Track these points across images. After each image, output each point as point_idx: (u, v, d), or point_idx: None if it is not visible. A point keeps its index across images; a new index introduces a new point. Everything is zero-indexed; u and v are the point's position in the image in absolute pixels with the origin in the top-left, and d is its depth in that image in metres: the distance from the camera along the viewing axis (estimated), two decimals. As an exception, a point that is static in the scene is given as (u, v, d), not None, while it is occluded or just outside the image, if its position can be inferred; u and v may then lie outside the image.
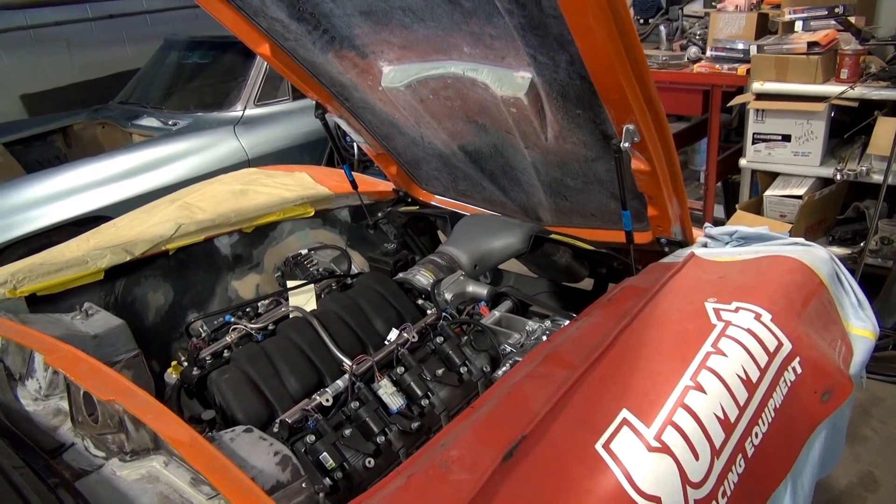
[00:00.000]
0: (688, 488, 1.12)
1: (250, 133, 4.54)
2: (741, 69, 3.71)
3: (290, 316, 1.92)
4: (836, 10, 3.42)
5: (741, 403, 1.27)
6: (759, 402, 1.30)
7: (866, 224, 3.48)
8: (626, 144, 1.55)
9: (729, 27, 3.93)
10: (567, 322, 1.74)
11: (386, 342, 1.79)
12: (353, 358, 1.68)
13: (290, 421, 1.50)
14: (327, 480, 1.38)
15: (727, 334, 1.37)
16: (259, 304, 2.03)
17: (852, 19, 3.39)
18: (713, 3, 4.41)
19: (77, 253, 2.03)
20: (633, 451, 1.11)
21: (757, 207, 3.71)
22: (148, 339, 2.15)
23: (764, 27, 3.89)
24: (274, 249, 2.48)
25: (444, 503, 0.98)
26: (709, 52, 3.98)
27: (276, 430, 1.49)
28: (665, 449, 1.13)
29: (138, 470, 1.30)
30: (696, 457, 1.16)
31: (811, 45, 3.35)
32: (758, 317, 1.43)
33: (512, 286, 2.60)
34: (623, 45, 1.33)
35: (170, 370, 1.81)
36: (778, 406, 1.33)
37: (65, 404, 1.51)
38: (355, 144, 3.33)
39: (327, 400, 1.56)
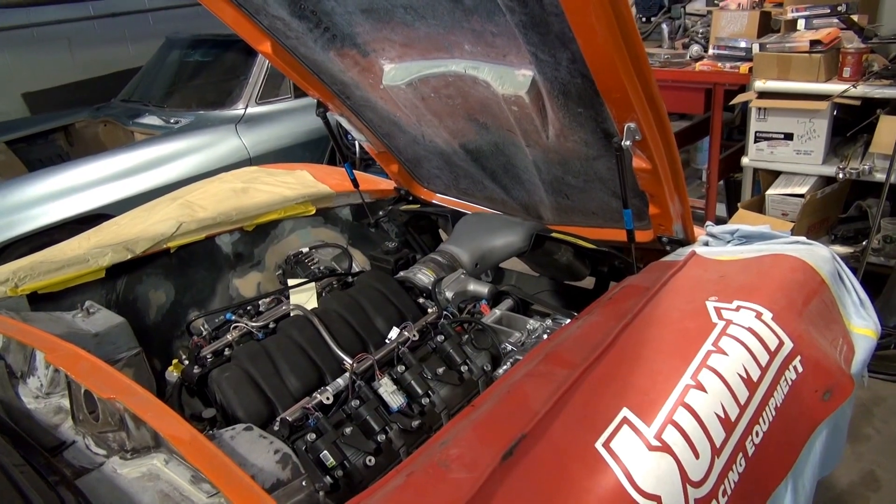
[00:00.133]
0: (688, 487, 1.12)
1: (252, 131, 4.54)
2: (743, 67, 3.70)
3: (291, 314, 1.91)
4: (839, 9, 3.41)
5: (742, 402, 1.27)
6: (760, 401, 1.30)
7: (869, 223, 3.47)
8: (628, 143, 1.55)
9: (731, 25, 3.93)
10: (568, 321, 1.73)
11: (387, 341, 1.79)
12: (353, 356, 1.68)
13: (290, 419, 1.50)
14: (328, 479, 1.38)
15: (728, 333, 1.37)
16: (260, 302, 2.03)
17: (855, 17, 3.38)
18: (716, 2, 4.40)
19: (78, 251, 2.03)
20: (633, 450, 1.11)
21: (759, 206, 3.70)
22: (149, 338, 2.15)
23: (766, 25, 3.89)
24: (275, 248, 2.48)
25: (443, 502, 0.98)
26: (711, 51, 3.97)
27: (276, 428, 1.49)
28: (665, 448, 1.13)
29: (139, 468, 1.30)
30: (697, 456, 1.15)
31: (813, 43, 3.34)
32: (759, 315, 1.42)
33: (513, 285, 2.60)
34: (624, 43, 1.33)
35: (171, 368, 1.81)
36: (779, 405, 1.33)
37: (66, 402, 1.52)
38: (357, 143, 3.34)
39: (328, 398, 1.56)
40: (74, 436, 1.46)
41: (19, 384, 1.66)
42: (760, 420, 1.28)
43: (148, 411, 1.22)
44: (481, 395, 1.32)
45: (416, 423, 1.54)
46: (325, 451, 1.41)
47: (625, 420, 1.15)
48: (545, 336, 1.74)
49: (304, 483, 1.18)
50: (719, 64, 3.84)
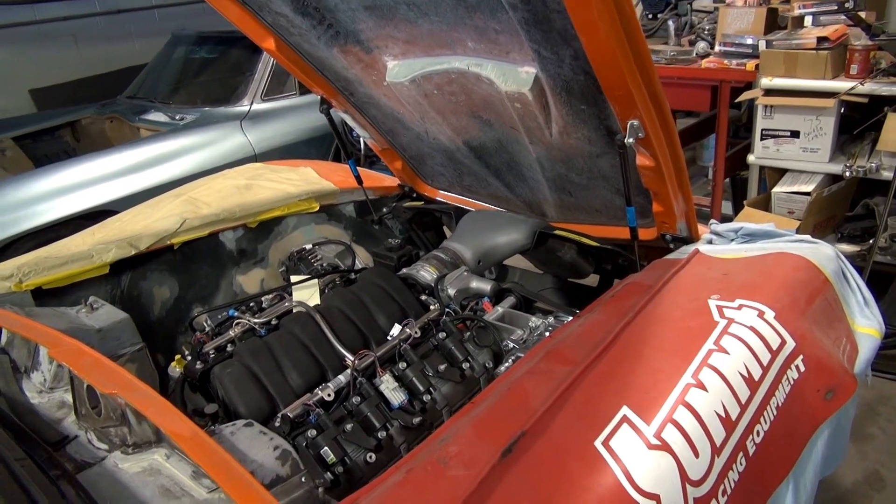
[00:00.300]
0: (687, 486, 1.11)
1: (257, 128, 4.55)
2: (750, 65, 3.69)
3: (294, 311, 1.92)
4: (846, 5, 3.39)
5: (743, 401, 1.26)
6: (762, 400, 1.29)
7: (875, 221, 3.45)
8: (631, 140, 1.55)
9: (738, 22, 3.91)
10: (570, 318, 1.73)
11: (389, 338, 1.79)
12: (355, 353, 1.68)
13: (291, 415, 1.50)
14: (328, 475, 1.39)
15: (730, 332, 1.36)
16: (263, 298, 2.03)
17: (862, 14, 3.36)
18: (722, -2, 4.38)
19: (82, 247, 2.04)
20: (632, 449, 1.11)
21: (765, 204, 3.68)
22: (154, 333, 2.16)
23: (773, 22, 3.87)
24: (279, 244, 2.48)
25: (442, 499, 0.98)
26: (717, 48, 3.96)
27: (277, 424, 1.49)
28: (665, 447, 1.13)
29: (140, 463, 1.31)
30: (697, 455, 1.15)
31: (820, 40, 3.32)
32: (761, 314, 1.42)
33: (516, 282, 2.59)
34: (627, 40, 1.32)
35: (174, 364, 1.82)
36: (780, 404, 1.33)
37: (69, 397, 1.52)
38: (362, 140, 3.33)
39: (329, 395, 1.56)
40: (77, 430, 1.46)
41: (23, 379, 1.67)
42: (762, 419, 1.28)
43: (149, 407, 1.22)
44: (482, 392, 1.32)
45: (417, 420, 1.54)
46: (326, 448, 1.41)
47: (624, 418, 1.15)
48: (547, 333, 1.74)
49: (303, 479, 1.19)
50: (726, 61, 3.83)
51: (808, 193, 3.46)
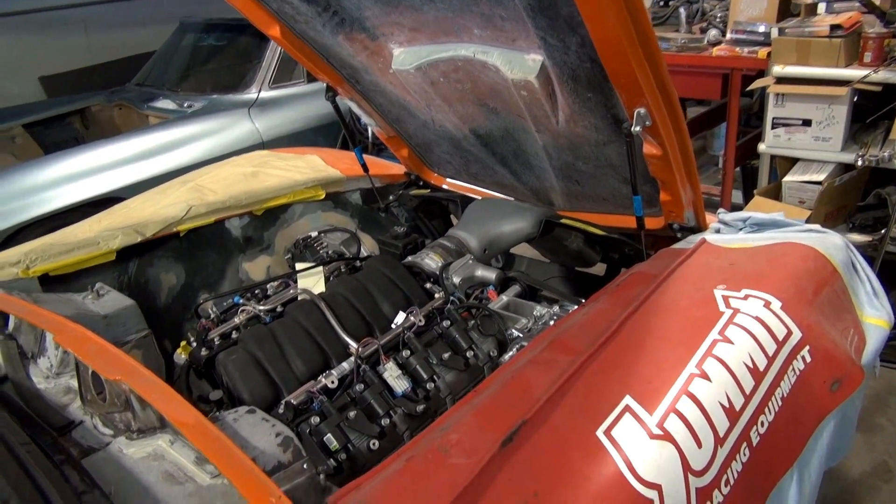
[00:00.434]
0: (689, 476, 1.11)
1: (265, 115, 4.54)
2: (762, 52, 3.64)
3: (299, 298, 1.92)
4: (861, -8, 3.34)
5: (747, 392, 1.25)
6: (766, 391, 1.28)
7: (888, 211, 3.41)
8: (637, 128, 1.53)
9: (750, 9, 3.86)
10: (575, 307, 1.72)
11: (393, 325, 1.79)
12: (359, 341, 1.68)
13: (295, 402, 1.50)
14: (331, 461, 1.39)
15: (735, 322, 1.35)
16: (268, 286, 2.03)
17: (877, 1, 3.31)
18: (735, -15, 4.32)
19: (89, 234, 2.04)
20: (634, 439, 1.10)
21: (775, 193, 3.65)
22: (161, 320, 2.17)
23: (786, 9, 3.81)
24: (285, 232, 2.49)
25: (441, 487, 0.98)
26: (729, 35, 3.91)
27: (281, 411, 1.50)
28: (667, 436, 1.12)
29: (144, 448, 1.32)
30: (699, 445, 1.14)
31: (834, 27, 3.27)
32: (767, 304, 1.40)
33: (521, 271, 2.58)
34: (634, 26, 1.30)
35: (179, 350, 1.82)
36: (785, 395, 1.31)
37: (75, 383, 1.53)
38: (369, 128, 3.32)
39: (332, 382, 1.56)
40: (83, 416, 1.47)
41: (30, 364, 1.69)
42: (766, 410, 1.27)
43: (152, 393, 1.23)
44: (484, 381, 1.31)
45: (420, 408, 1.54)
46: (329, 435, 1.41)
47: (627, 408, 1.14)
48: (552, 322, 1.73)
49: (305, 466, 1.19)
50: (737, 49, 3.78)
51: (819, 183, 3.42)
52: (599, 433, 1.10)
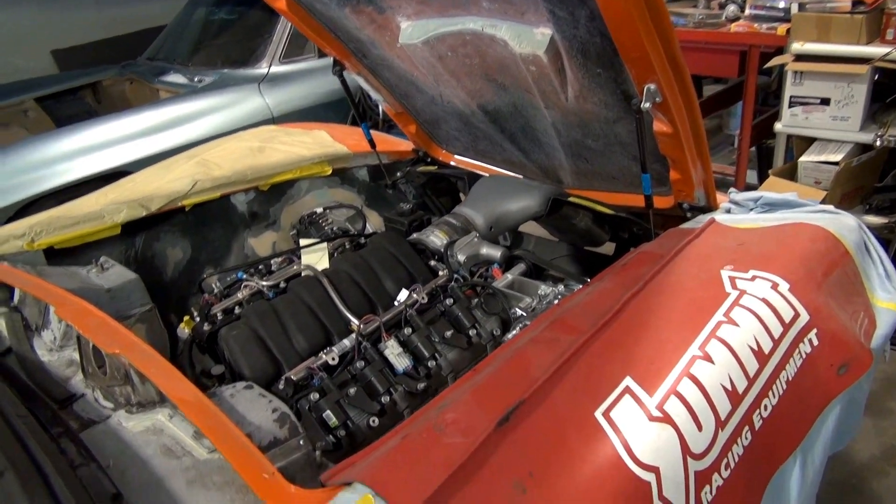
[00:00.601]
0: (688, 459, 1.09)
1: (275, 90, 4.50)
2: (781, 29, 3.56)
3: (302, 274, 1.91)
4: (885, -34, 3.24)
5: (751, 375, 1.23)
6: (771, 374, 1.26)
7: (906, 193, 3.35)
8: (647, 105, 1.50)
9: (770, -16, 3.76)
10: (580, 287, 1.70)
11: (396, 303, 1.78)
12: (361, 318, 1.67)
13: (295, 378, 1.50)
14: (330, 438, 1.39)
15: (741, 303, 1.32)
16: (272, 261, 2.03)
17: (902, -24, 3.21)
18: (755, -41, 4.21)
19: (94, 207, 2.04)
20: (633, 420, 1.09)
21: (791, 173, 3.59)
22: (167, 294, 2.17)
23: (807, -16, 3.71)
24: (291, 207, 2.47)
25: (435, 466, 0.97)
26: (747, 11, 3.82)
27: (281, 387, 1.50)
28: (667, 419, 1.10)
29: (143, 422, 1.32)
30: (700, 428, 1.12)
31: (856, 3, 3.19)
32: (775, 286, 1.37)
33: (527, 249, 2.56)
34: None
35: (182, 325, 1.83)
36: (790, 378, 1.29)
37: (77, 355, 1.54)
38: (380, 104, 3.29)
39: (333, 359, 1.56)
40: (84, 389, 1.48)
41: (34, 337, 1.69)
42: (770, 393, 1.25)
43: (150, 368, 1.23)
44: (484, 360, 1.30)
45: (421, 386, 1.54)
46: (329, 411, 1.41)
47: (627, 389, 1.13)
48: (556, 302, 1.71)
49: (301, 442, 1.19)
50: (756, 25, 3.69)
51: (836, 163, 3.36)
52: (598, 414, 1.09)
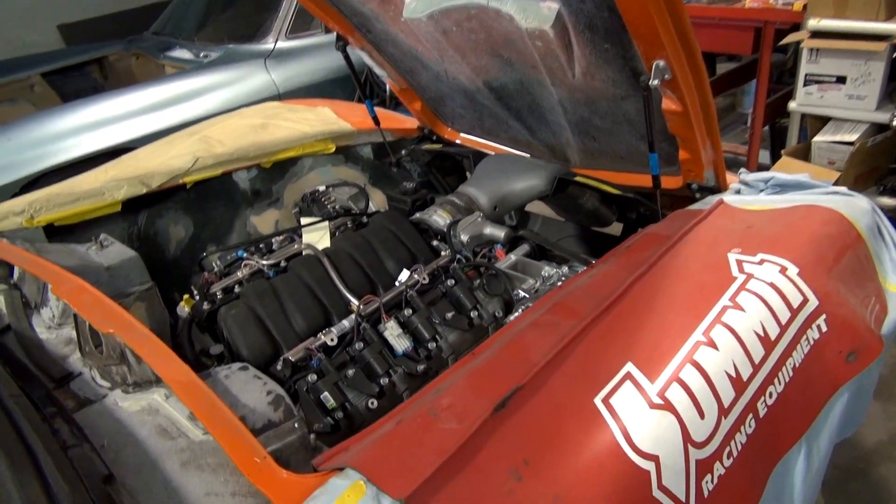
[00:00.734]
0: (689, 448, 1.06)
1: (281, 66, 4.45)
2: (797, 4, 3.48)
3: (303, 253, 1.89)
4: (907, -61, 3.14)
5: (756, 361, 1.20)
6: (777, 361, 1.22)
7: (922, 174, 3.28)
8: (656, 82, 1.46)
9: (787, -41, 3.67)
10: (584, 268, 1.67)
11: (397, 283, 1.75)
12: (361, 298, 1.65)
13: (293, 359, 1.49)
14: (328, 419, 1.38)
15: (748, 288, 1.29)
16: (273, 240, 2.00)
17: (924, -51, 3.11)
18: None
19: (95, 184, 2.03)
20: (633, 408, 1.06)
21: (805, 153, 3.52)
22: (170, 272, 2.17)
23: (825, -42, 3.61)
24: (294, 185, 2.45)
25: (429, 452, 0.95)
26: (763, -14, 3.73)
27: (279, 367, 1.48)
28: (668, 406, 1.07)
29: (139, 402, 1.31)
30: (702, 415, 1.09)
31: (875, -22, 3.10)
32: (783, 270, 1.33)
33: (531, 230, 2.53)
34: (652, -29, 1.22)
35: (182, 303, 1.81)
36: (797, 365, 1.26)
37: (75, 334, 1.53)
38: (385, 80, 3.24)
39: (332, 339, 1.54)
40: (82, 367, 1.47)
41: (33, 314, 1.68)
42: (776, 381, 1.21)
43: (144, 348, 1.21)
44: (482, 343, 1.28)
45: (421, 368, 1.52)
46: (326, 393, 1.40)
47: (628, 375, 1.10)
48: (560, 283, 1.68)
49: (296, 425, 1.17)
50: (771, 1, 3.61)
51: (851, 143, 3.29)
52: (597, 401, 1.06)
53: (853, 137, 3.31)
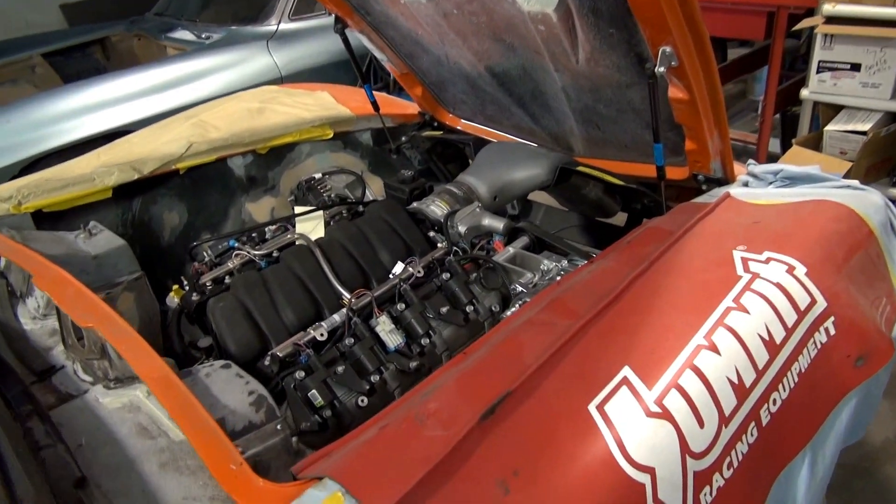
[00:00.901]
0: (687, 459, 1.01)
1: (284, 49, 4.38)
2: (812, -12, 3.37)
3: (296, 243, 1.84)
4: (927, -79, 3.03)
5: (759, 367, 1.14)
6: (781, 366, 1.17)
7: (937, 165, 3.20)
8: (662, 69, 1.40)
9: (802, -59, 3.56)
10: (584, 263, 1.61)
11: (391, 276, 1.70)
12: (353, 291, 1.60)
13: (281, 355, 1.44)
14: (316, 418, 1.33)
15: (753, 288, 1.23)
16: (267, 229, 1.96)
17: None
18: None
19: (85, 170, 1.98)
20: (629, 415, 1.01)
21: (816, 143, 3.43)
22: (164, 260, 2.12)
23: (842, -59, 3.50)
24: (291, 172, 2.39)
25: (413, 461, 0.90)
26: (777, -31, 3.62)
27: (266, 363, 1.44)
28: (665, 414, 1.02)
29: (120, 398, 1.27)
30: (701, 424, 1.04)
31: (893, -39, 3.00)
32: (791, 269, 1.27)
33: (530, 221, 2.47)
34: (658, -48, 1.15)
35: (171, 294, 1.77)
36: (803, 370, 1.20)
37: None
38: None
39: (322, 335, 1.49)
40: (65, 360, 1.43)
41: (19, 304, 1.65)
42: (780, 387, 1.16)
43: (122, 343, 1.17)
44: (474, 343, 1.22)
45: (413, 365, 1.47)
46: (314, 390, 1.35)
47: (624, 380, 1.05)
48: (558, 278, 1.63)
49: (278, 427, 1.13)
50: (785, -16, 3.50)
51: (864, 133, 3.20)
52: (591, 408, 1.01)
53: (866, 127, 3.22)
